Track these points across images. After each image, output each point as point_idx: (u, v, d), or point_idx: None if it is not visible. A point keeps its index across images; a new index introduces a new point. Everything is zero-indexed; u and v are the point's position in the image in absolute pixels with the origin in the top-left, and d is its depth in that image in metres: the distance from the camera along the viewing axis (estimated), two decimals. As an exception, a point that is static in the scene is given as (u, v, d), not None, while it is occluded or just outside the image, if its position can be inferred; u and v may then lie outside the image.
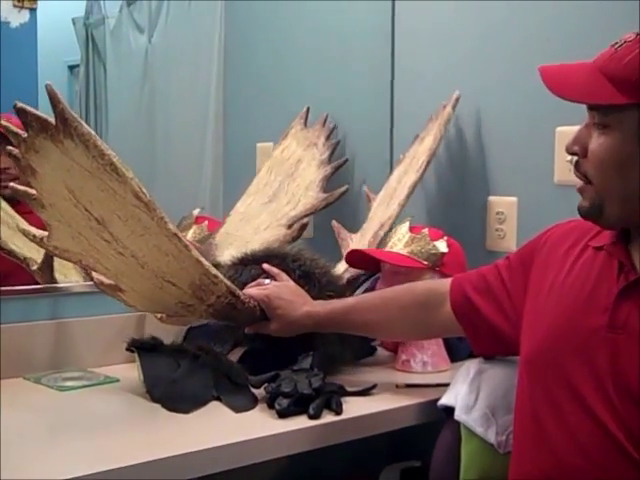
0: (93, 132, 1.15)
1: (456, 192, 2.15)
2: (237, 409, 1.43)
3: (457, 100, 2.04)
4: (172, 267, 1.31)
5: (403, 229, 1.79)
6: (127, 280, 1.35)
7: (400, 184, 2.01)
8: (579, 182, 1.21)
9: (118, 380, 1.63)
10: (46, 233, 1.26)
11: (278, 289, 1.57)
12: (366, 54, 2.26)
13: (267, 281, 1.60)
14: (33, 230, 1.35)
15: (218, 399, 1.47)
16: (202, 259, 1.35)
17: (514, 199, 2.01)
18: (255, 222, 2.05)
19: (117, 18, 2.25)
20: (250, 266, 1.69)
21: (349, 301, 1.61)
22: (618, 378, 1.11)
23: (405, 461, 1.77)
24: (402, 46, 2.21)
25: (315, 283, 1.67)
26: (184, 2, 2.30)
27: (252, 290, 1.56)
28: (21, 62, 1.97)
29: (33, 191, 1.19)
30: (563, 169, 1.90)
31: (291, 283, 1.62)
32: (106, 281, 1.38)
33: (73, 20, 2.15)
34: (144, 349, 1.56)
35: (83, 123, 1.14)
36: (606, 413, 1.11)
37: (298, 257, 1.71)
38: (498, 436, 1.35)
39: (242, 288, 1.55)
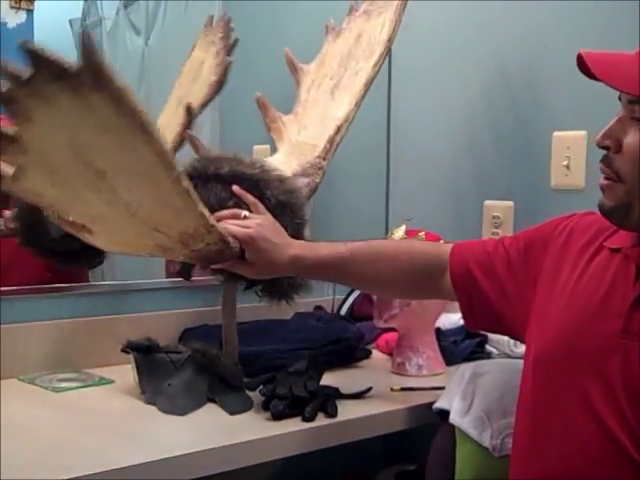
0: (129, 86, 1.06)
1: (453, 196, 2.17)
2: (232, 411, 1.43)
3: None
4: (168, 218, 1.26)
5: (400, 232, 1.79)
6: (103, 226, 1.28)
7: (348, 71, 1.82)
8: (602, 179, 1.15)
9: (113, 381, 1.63)
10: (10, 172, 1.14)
11: (262, 228, 1.38)
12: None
13: (244, 213, 1.42)
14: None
15: (213, 401, 1.47)
16: (205, 211, 1.28)
17: (510, 203, 2.02)
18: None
19: (114, 20, 2.24)
20: (212, 184, 1.47)
21: (341, 250, 1.44)
22: (629, 384, 1.09)
23: (400, 464, 1.78)
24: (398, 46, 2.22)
25: (288, 214, 1.51)
26: (181, 3, 2.30)
27: (234, 228, 1.37)
28: (18, 63, 1.96)
29: (13, 131, 1.08)
30: (559, 174, 1.91)
31: (270, 218, 1.44)
32: (72, 219, 1.25)
33: (70, 21, 2.15)
34: (139, 350, 1.56)
35: (118, 76, 1.04)
36: (613, 419, 1.09)
37: (267, 179, 1.51)
38: (493, 440, 1.34)
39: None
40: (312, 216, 1.84)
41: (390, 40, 1.80)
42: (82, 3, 2.21)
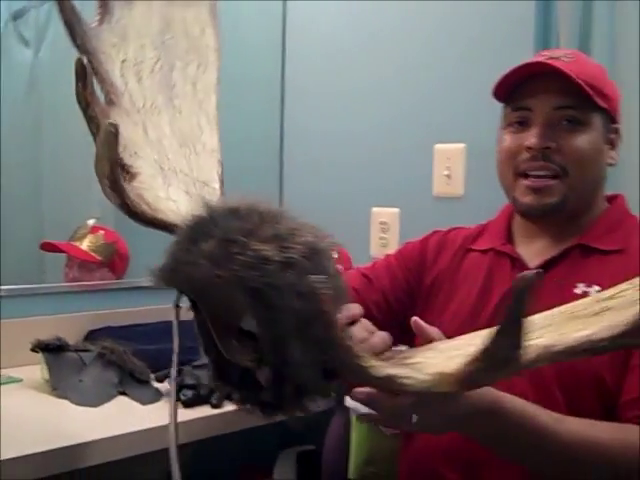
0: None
1: (343, 203, 2.30)
2: (144, 402, 1.52)
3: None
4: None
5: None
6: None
7: (176, 74, 1.20)
8: (539, 181, 1.23)
9: (21, 380, 1.68)
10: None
11: None
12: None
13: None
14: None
15: (124, 394, 1.55)
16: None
17: (396, 210, 2.18)
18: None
19: (2, 32, 2.26)
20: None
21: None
22: None
23: (300, 446, 1.89)
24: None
25: None
26: (72, 16, 2.34)
27: None
28: None
29: None
30: (441, 183, 2.08)
31: None
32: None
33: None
34: (50, 349, 1.62)
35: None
36: None
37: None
38: (385, 420, 1.47)
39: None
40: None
41: (219, 51, 1.25)
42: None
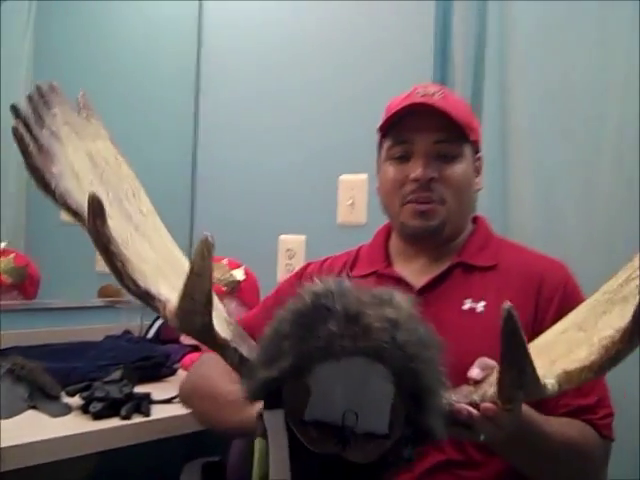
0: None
1: (252, 230, 2.39)
2: (54, 414, 1.55)
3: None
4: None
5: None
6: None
7: (127, 203, 1.22)
8: (422, 206, 1.33)
9: None
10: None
11: None
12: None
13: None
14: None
15: (34, 408, 1.59)
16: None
17: (303, 237, 2.29)
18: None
19: None
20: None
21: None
22: None
23: (206, 457, 1.95)
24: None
25: None
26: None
27: None
28: None
29: None
30: (345, 211, 2.20)
31: None
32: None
33: None
34: (-42, 365, 1.64)
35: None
36: None
37: None
38: (287, 430, 1.54)
39: None
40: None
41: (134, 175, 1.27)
42: None
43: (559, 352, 0.94)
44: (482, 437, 0.97)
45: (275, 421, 0.88)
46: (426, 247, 1.39)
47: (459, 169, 1.36)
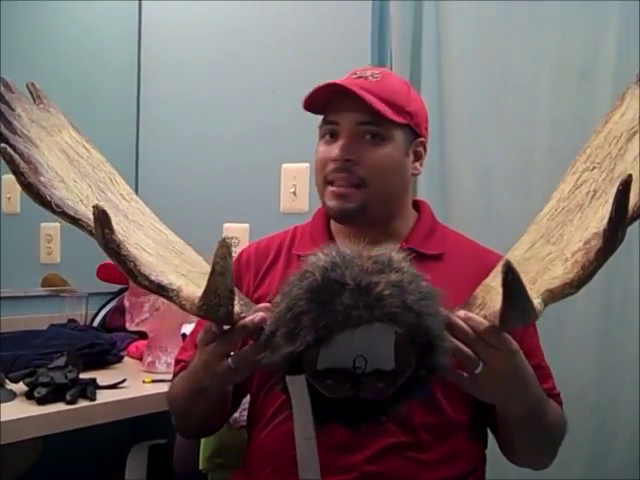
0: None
1: (197, 219, 2.39)
2: (-2, 400, 1.56)
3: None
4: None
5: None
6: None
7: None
8: (341, 188, 1.33)
9: None
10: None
11: None
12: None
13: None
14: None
15: (-23, 395, 1.59)
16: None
17: (246, 225, 2.32)
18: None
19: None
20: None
21: None
22: None
23: (152, 440, 1.96)
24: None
25: None
26: None
27: None
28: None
29: None
30: (287, 199, 2.23)
31: None
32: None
33: None
34: None
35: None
36: None
37: None
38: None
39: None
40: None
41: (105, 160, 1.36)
42: None
43: (536, 269, 1.05)
44: (479, 368, 1.06)
45: (298, 385, 1.00)
46: (361, 229, 1.34)
47: (384, 152, 1.34)
